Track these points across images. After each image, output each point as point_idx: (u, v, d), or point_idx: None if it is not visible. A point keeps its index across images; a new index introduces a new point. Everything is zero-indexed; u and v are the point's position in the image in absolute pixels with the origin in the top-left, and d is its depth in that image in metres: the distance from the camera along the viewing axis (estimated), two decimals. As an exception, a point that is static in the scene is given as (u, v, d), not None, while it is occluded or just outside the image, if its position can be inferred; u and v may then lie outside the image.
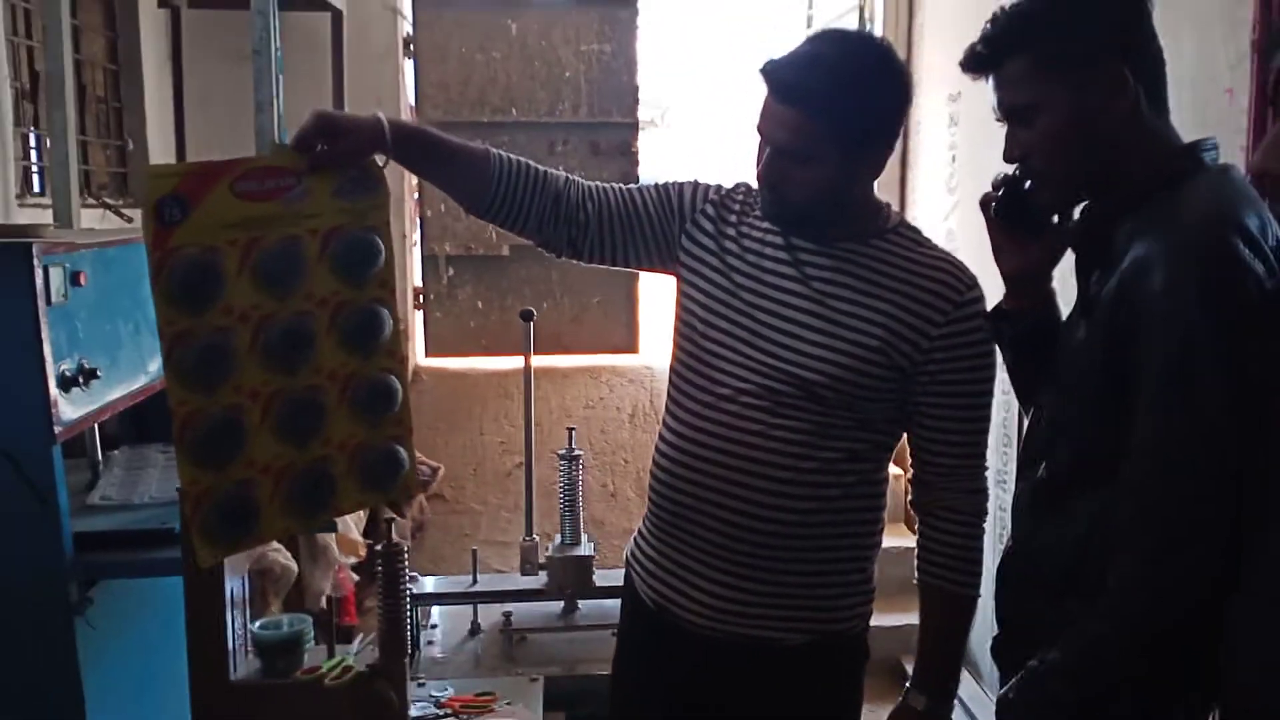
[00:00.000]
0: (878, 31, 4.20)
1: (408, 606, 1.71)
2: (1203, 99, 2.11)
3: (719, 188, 1.62)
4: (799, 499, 1.48)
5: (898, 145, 4.11)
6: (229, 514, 1.32)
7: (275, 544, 2.87)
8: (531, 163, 1.58)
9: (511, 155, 1.57)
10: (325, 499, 1.41)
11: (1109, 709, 1.30)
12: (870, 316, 1.46)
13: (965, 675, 3.07)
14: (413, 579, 2.64)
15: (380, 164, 1.41)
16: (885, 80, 1.45)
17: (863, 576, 1.57)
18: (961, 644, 1.54)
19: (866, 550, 1.57)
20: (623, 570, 1.71)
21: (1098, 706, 1.29)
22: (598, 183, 1.63)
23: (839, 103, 1.39)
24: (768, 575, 1.50)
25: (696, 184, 1.63)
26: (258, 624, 1.72)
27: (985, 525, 1.53)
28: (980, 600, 1.55)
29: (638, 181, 4.16)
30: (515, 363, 2.90)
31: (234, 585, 1.67)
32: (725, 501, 1.49)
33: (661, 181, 1.65)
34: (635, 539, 1.67)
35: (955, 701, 1.56)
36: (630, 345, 4.29)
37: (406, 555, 1.71)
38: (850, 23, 4.30)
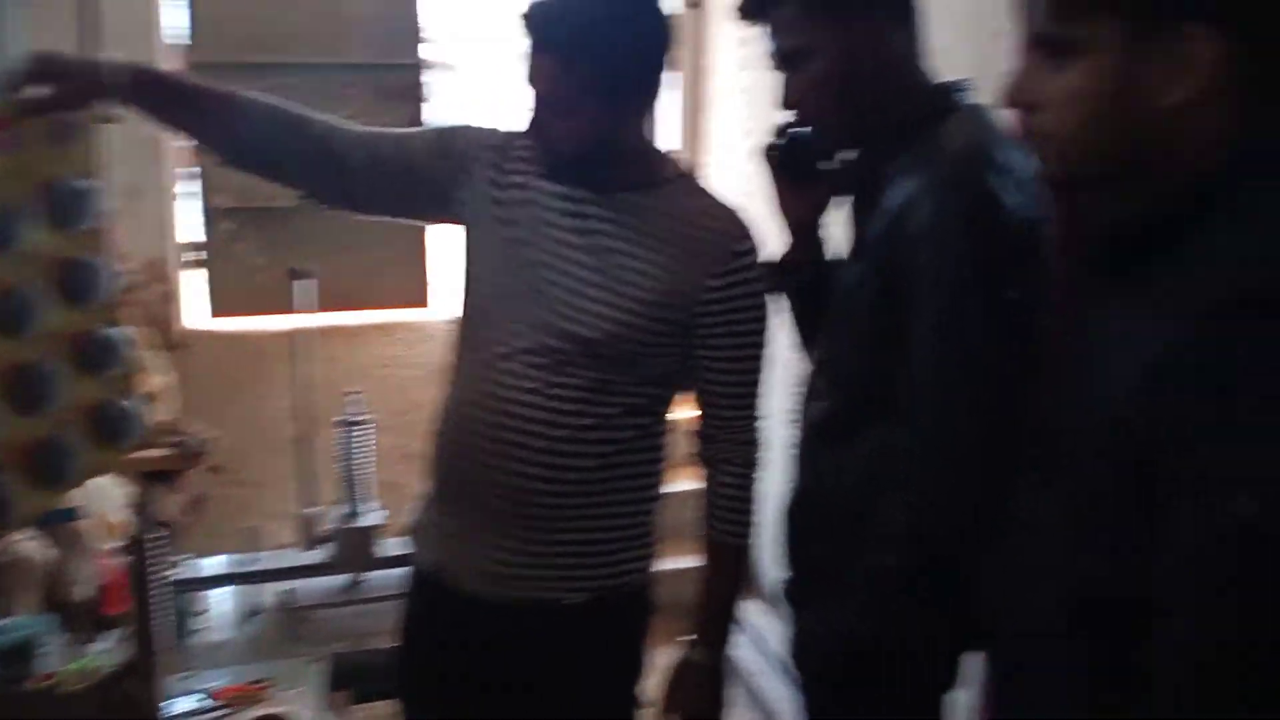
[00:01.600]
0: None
1: (165, 596, 1.56)
2: (978, 39, 2.14)
3: (499, 132, 1.53)
4: (577, 456, 1.44)
5: (691, 90, 4.13)
6: None
7: (27, 533, 2.62)
8: (290, 106, 1.46)
9: (267, 98, 1.44)
10: (68, 467, 1.31)
11: (895, 639, 1.32)
12: (648, 270, 1.43)
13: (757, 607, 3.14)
14: (176, 564, 2.46)
15: (112, 115, 1.31)
16: (644, 23, 1.41)
17: (642, 530, 1.54)
18: (737, 594, 1.55)
19: (647, 504, 1.55)
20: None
21: (885, 637, 1.32)
22: (371, 128, 1.52)
23: (597, 48, 1.34)
24: (546, 535, 1.46)
25: (471, 128, 1.55)
26: (-18, 628, 1.53)
27: (758, 475, 1.53)
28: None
29: (424, 125, 4.00)
30: (304, 321, 2.71)
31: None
32: (502, 463, 1.44)
33: (439, 125, 1.56)
34: (420, 506, 1.59)
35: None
36: (422, 299, 4.11)
37: (162, 541, 1.56)
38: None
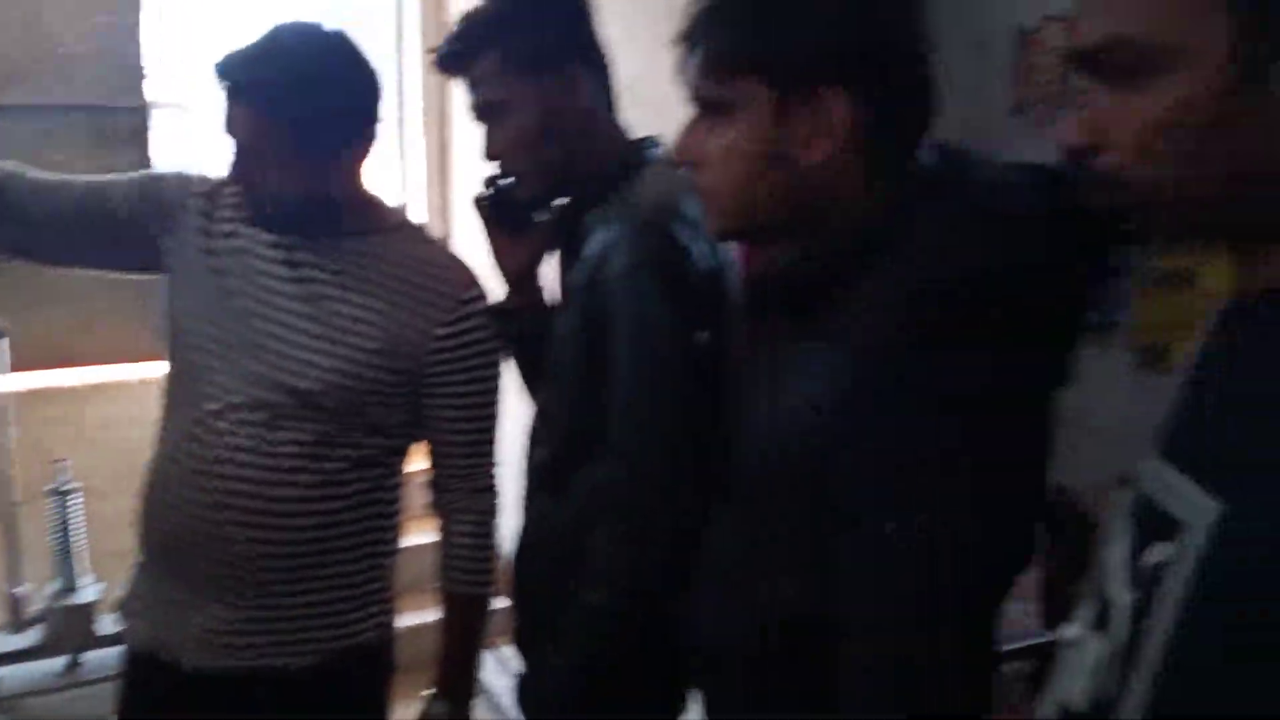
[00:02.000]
0: (412, 21, 4.14)
1: None
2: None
3: (204, 179, 1.48)
4: (299, 515, 1.39)
5: (435, 138, 4.11)
6: None
7: None
8: None
9: None
10: None
11: (608, 677, 1.34)
12: (368, 318, 1.40)
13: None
14: None
15: None
16: (345, 72, 1.40)
17: (376, 587, 1.50)
18: (479, 643, 1.53)
19: (380, 560, 1.51)
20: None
21: (597, 675, 1.34)
22: (64, 176, 1.43)
23: (297, 99, 1.32)
24: (271, 600, 1.40)
25: (180, 175, 1.48)
26: None
27: (496, 523, 1.52)
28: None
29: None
30: (11, 383, 2.49)
31: None
32: (217, 527, 1.37)
33: (143, 173, 1.49)
34: (131, 578, 1.49)
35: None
36: (149, 351, 3.86)
37: None
38: (388, 8, 4.20)
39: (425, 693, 1.52)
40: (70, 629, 2.13)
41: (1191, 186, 0.64)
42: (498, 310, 1.51)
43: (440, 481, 1.51)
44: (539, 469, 1.44)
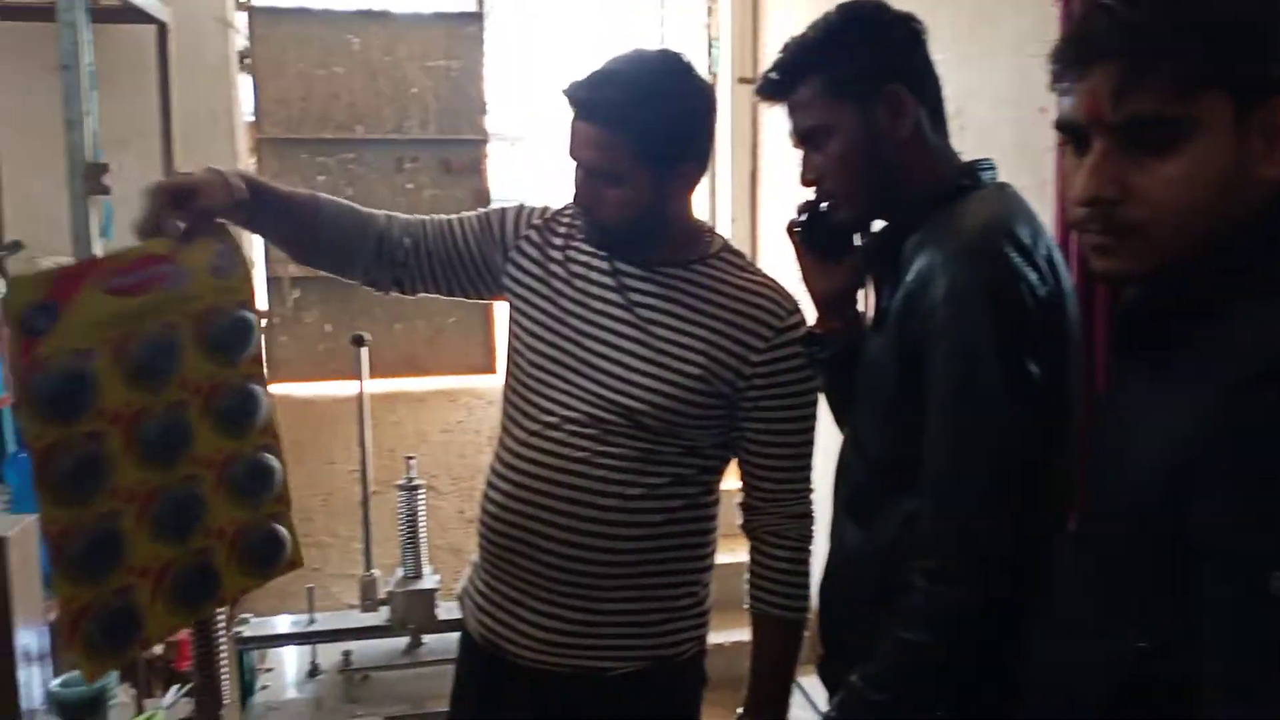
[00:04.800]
0: (724, 48, 4.25)
1: (224, 653, 1.61)
2: (1020, 117, 2.18)
3: (544, 210, 1.60)
4: (625, 525, 1.46)
5: (747, 162, 4.19)
6: (112, 626, 1.17)
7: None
8: (355, 206, 1.54)
9: (338, 201, 1.51)
10: (210, 590, 1.28)
11: (926, 716, 1.30)
12: (691, 344, 1.46)
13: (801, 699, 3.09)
14: (242, 621, 2.51)
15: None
16: (685, 92, 1.45)
17: (693, 600, 1.55)
18: (791, 668, 1.54)
19: (696, 574, 1.55)
20: (468, 603, 1.66)
21: (915, 715, 1.30)
22: (421, 216, 1.60)
23: (639, 115, 1.38)
24: (595, 605, 1.48)
25: (520, 208, 1.61)
26: (57, 681, 1.59)
27: (811, 549, 1.53)
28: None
29: (488, 199, 4.11)
30: (369, 387, 2.79)
31: (28, 640, 1.54)
32: (551, 532, 1.47)
33: (485, 209, 1.63)
34: (469, 573, 1.62)
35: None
36: (487, 365, 4.20)
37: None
38: (700, 41, 4.34)
39: (738, 710, 1.55)
40: (414, 612, 2.34)
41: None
42: (808, 335, 1.52)
43: (754, 505, 1.54)
44: (848, 496, 1.42)
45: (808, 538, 1.53)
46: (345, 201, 1.54)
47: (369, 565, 2.53)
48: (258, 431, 1.31)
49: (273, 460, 1.33)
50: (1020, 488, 1.19)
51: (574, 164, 1.45)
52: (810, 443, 1.52)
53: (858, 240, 1.45)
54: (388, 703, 2.23)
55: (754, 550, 1.54)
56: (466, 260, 1.58)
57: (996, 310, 1.19)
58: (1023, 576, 1.18)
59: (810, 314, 1.53)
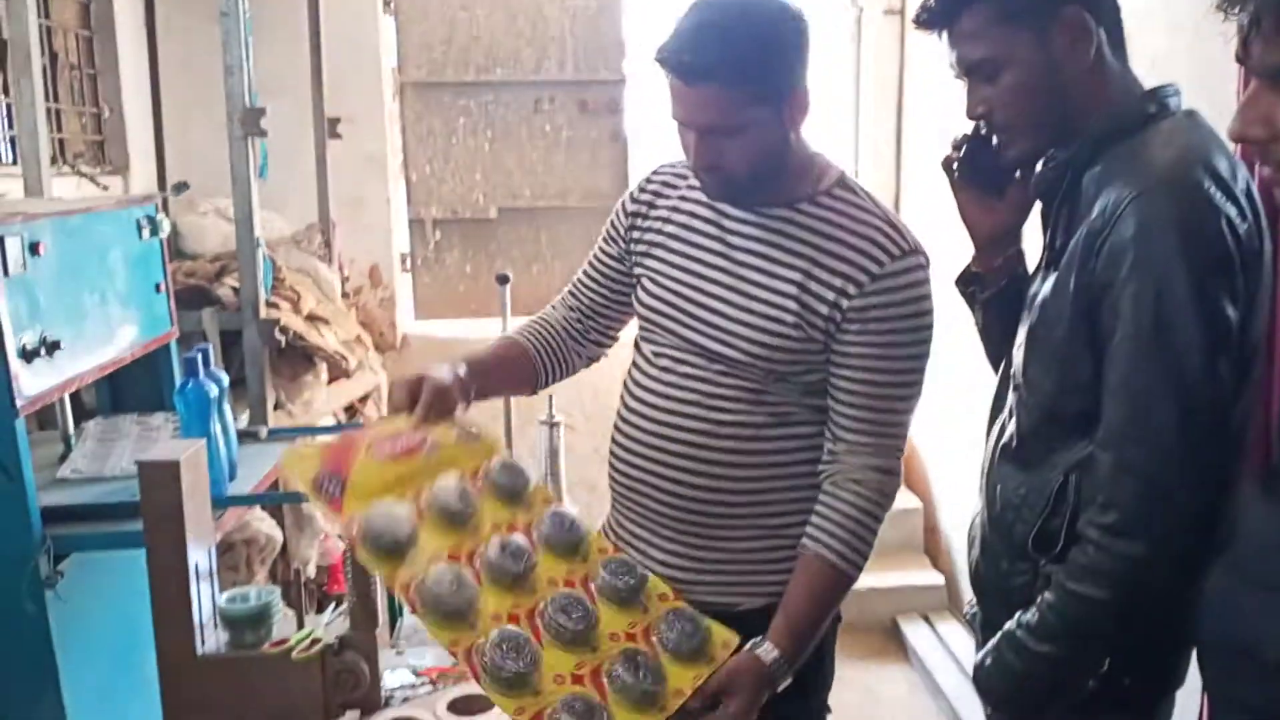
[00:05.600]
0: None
1: (375, 578, 1.68)
2: (1195, 44, 2.05)
3: (638, 187, 1.62)
4: (741, 466, 1.47)
5: (893, 96, 4.07)
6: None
7: (260, 513, 2.86)
8: (545, 322, 1.68)
9: (534, 331, 1.66)
10: (657, 686, 1.29)
11: (1087, 670, 1.28)
12: (783, 288, 1.42)
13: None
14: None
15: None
16: (775, 16, 1.37)
17: None
18: (824, 616, 1.44)
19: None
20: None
21: (1078, 667, 1.27)
22: (573, 290, 1.69)
23: (743, 61, 1.33)
24: (718, 543, 1.50)
25: (622, 203, 1.64)
26: (225, 596, 1.69)
27: (886, 507, 1.43)
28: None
29: (624, 140, 4.09)
30: (511, 325, 2.86)
31: (199, 558, 1.64)
32: (670, 474, 1.50)
33: (604, 228, 1.67)
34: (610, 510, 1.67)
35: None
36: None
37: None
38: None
39: (754, 640, 1.42)
40: (553, 544, 2.40)
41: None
42: (966, 274, 1.47)
43: (835, 452, 1.45)
44: (1006, 441, 1.38)
45: (887, 494, 1.43)
46: (540, 325, 1.67)
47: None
48: (595, 548, 1.43)
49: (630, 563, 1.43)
50: (1209, 441, 1.13)
51: (680, 126, 1.41)
52: (905, 398, 1.43)
53: (1019, 174, 1.38)
54: (527, 630, 2.29)
55: (823, 493, 1.45)
56: (619, 283, 1.64)
57: (1192, 249, 1.12)
58: (1204, 529, 1.13)
59: (947, 255, 1.48)
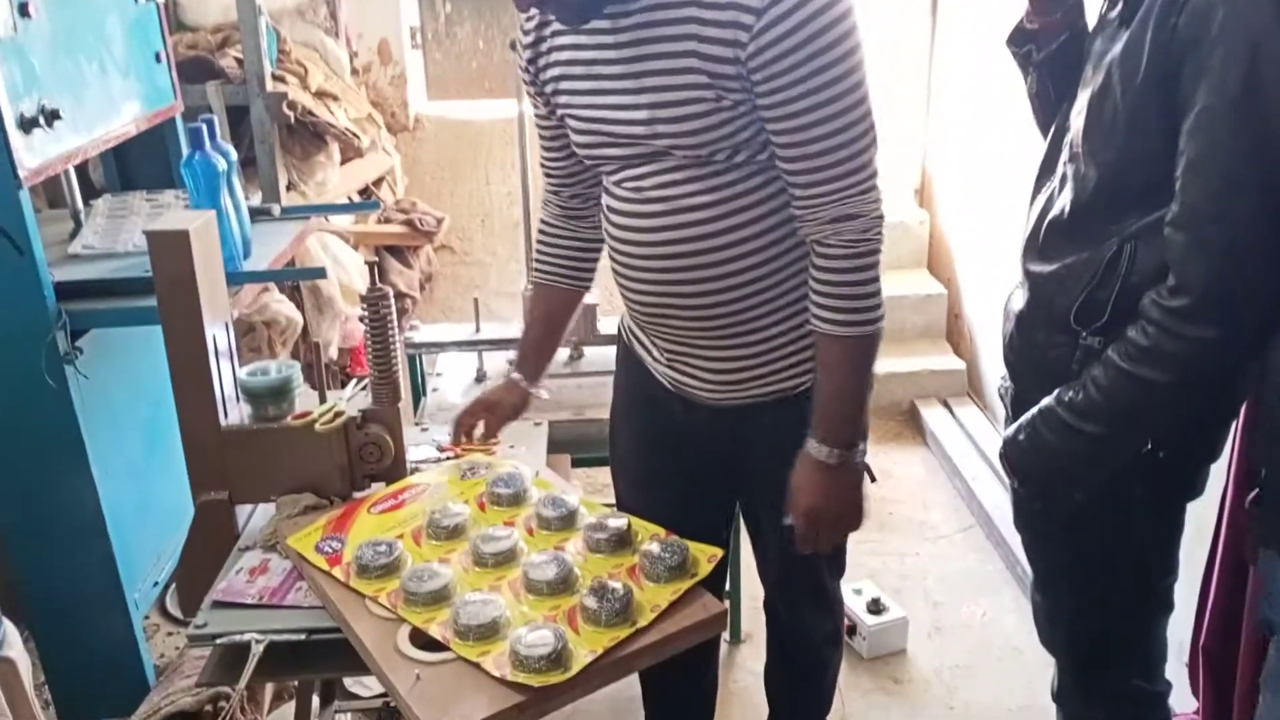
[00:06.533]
0: None
1: (397, 351, 1.66)
2: None
3: (521, 30, 1.54)
4: (734, 260, 1.42)
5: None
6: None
7: (279, 294, 2.84)
8: (547, 236, 1.74)
9: (546, 259, 1.74)
10: (625, 603, 1.31)
11: (1128, 450, 1.25)
12: (681, 64, 1.31)
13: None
14: (413, 327, 2.61)
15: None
16: None
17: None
18: (855, 387, 1.39)
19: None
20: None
21: (1120, 447, 1.25)
22: (545, 170, 1.69)
23: None
24: (749, 334, 1.47)
25: (517, 61, 1.59)
26: (245, 370, 1.68)
27: (867, 255, 1.33)
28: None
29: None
30: (527, 103, 2.74)
31: (216, 333, 1.61)
32: (673, 288, 1.47)
33: (526, 89, 1.62)
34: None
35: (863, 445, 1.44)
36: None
37: (392, 299, 1.64)
38: None
39: (809, 438, 1.42)
40: (576, 326, 2.38)
41: None
42: (1019, 32, 1.36)
43: (797, 212, 1.36)
44: (1055, 212, 1.30)
45: (855, 243, 1.32)
46: (543, 249, 1.74)
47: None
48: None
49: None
50: None
51: None
52: (842, 130, 1.28)
53: None
54: (549, 409, 2.30)
55: (809, 264, 1.39)
56: (567, 139, 1.56)
57: None
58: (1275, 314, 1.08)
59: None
